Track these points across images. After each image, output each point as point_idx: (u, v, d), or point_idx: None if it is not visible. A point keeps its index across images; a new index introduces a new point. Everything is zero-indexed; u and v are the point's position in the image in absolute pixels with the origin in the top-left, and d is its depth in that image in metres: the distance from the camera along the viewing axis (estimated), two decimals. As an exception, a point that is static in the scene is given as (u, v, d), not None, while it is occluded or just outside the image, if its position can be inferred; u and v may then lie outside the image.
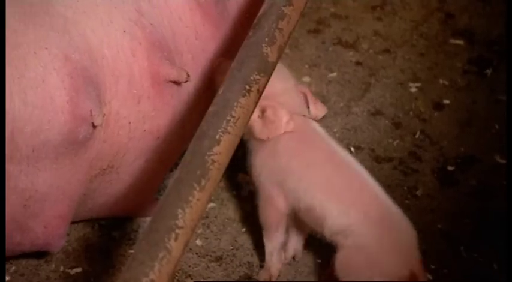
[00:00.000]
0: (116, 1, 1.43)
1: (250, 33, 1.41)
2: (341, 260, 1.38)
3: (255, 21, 1.44)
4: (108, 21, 1.41)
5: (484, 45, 1.85)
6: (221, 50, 1.51)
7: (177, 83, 1.45)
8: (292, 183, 1.42)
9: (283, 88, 1.46)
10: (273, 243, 1.48)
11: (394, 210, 1.38)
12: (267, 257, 1.49)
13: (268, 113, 1.42)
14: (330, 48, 1.87)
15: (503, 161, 1.65)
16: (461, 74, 1.81)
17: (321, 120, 1.48)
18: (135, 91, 1.41)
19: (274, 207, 1.44)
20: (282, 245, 1.49)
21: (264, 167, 1.44)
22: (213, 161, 1.23)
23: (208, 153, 1.24)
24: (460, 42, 1.86)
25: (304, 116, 1.45)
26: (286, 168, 1.42)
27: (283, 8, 1.44)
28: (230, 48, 1.49)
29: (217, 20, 1.52)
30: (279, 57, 1.40)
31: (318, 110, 1.49)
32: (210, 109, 1.30)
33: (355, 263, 1.38)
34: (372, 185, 1.39)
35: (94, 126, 1.32)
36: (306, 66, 1.86)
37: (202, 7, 1.50)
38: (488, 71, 1.81)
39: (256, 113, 1.41)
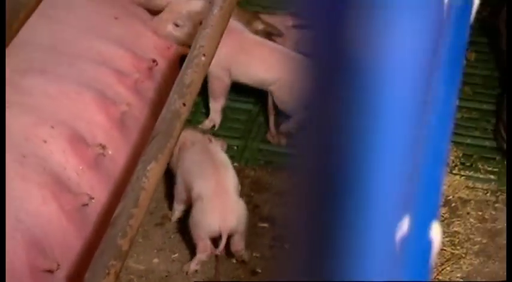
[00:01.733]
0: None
1: (108, 230, 1.73)
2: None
3: (111, 221, 1.76)
4: None
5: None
6: (85, 246, 1.78)
7: (50, 271, 1.67)
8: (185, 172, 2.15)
9: (194, 139, 2.21)
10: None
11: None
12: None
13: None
14: (172, 236, 2.21)
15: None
16: (268, 248, 2.15)
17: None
18: (17, 279, 1.59)
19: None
20: None
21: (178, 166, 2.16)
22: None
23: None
24: (265, 225, 2.20)
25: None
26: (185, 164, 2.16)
27: (131, 210, 1.78)
28: (94, 244, 1.76)
29: (80, 222, 1.78)
30: (130, 246, 1.72)
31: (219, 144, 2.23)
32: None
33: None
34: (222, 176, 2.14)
35: None
36: (155, 250, 2.19)
37: (66, 214, 1.72)
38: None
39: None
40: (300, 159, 0.66)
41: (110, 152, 1.86)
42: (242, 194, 2.23)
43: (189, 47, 2.06)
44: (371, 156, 0.63)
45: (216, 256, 2.10)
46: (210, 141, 2.24)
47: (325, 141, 0.63)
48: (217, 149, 2.22)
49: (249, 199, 2.25)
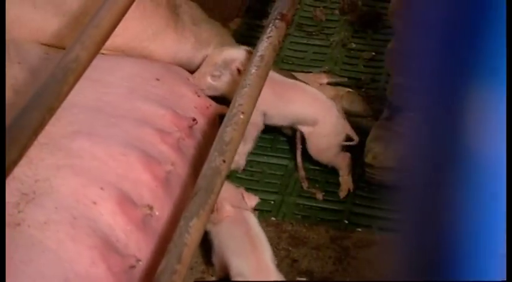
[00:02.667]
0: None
1: None
2: None
3: (155, 277, 1.68)
4: None
5: (320, 280, 2.13)
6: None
7: None
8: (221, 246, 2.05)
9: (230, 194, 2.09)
10: None
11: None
12: None
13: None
14: None
15: None
16: (306, 302, 2.10)
17: None
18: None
19: None
20: None
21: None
22: None
23: None
24: (304, 279, 2.12)
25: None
26: (221, 236, 2.06)
27: (175, 266, 1.72)
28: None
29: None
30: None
31: (251, 200, 2.12)
32: None
33: None
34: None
35: None
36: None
37: (114, 276, 1.66)
38: (326, 297, 2.09)
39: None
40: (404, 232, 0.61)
41: (156, 213, 1.80)
42: (280, 249, 2.17)
43: (227, 101, 2.03)
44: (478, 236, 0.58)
45: None
46: (243, 196, 2.16)
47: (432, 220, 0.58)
48: (252, 219, 2.10)
49: (286, 253, 2.20)
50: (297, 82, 2.41)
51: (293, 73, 2.55)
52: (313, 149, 2.36)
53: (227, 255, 2.06)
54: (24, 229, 1.59)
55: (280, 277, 2.02)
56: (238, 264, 2.02)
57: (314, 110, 2.34)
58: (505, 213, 0.60)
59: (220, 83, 2.33)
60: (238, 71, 2.30)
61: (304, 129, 2.36)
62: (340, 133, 2.33)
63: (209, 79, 2.33)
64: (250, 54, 2.31)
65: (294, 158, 2.41)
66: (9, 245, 1.56)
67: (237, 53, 2.33)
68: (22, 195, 1.65)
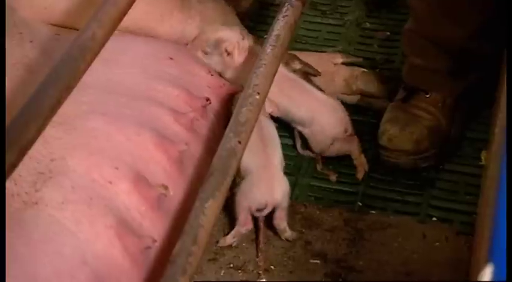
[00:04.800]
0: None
1: (168, 267, 1.70)
2: None
3: (170, 258, 1.73)
4: None
5: (334, 263, 2.17)
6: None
7: None
8: None
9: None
10: None
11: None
12: None
13: None
14: (223, 271, 2.17)
15: None
16: (319, 284, 2.13)
17: None
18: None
19: None
20: None
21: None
22: None
23: None
24: (317, 261, 2.17)
25: None
26: None
27: (190, 248, 1.75)
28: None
29: (142, 264, 1.76)
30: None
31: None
32: None
33: None
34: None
35: None
36: (211, 285, 2.17)
37: (130, 257, 1.70)
38: (338, 284, 2.11)
39: None
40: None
41: (171, 193, 1.84)
42: (293, 230, 2.21)
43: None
44: None
45: (258, 229, 2.14)
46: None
47: None
48: (266, 121, 2.26)
49: (300, 235, 2.24)
50: (297, 79, 2.43)
51: (306, 52, 2.58)
52: (316, 147, 2.40)
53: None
54: (42, 208, 1.63)
55: (286, 179, 2.16)
56: (246, 158, 2.09)
57: (309, 109, 2.37)
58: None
59: (209, 61, 2.38)
60: (227, 52, 2.36)
61: (302, 129, 2.40)
62: (337, 127, 2.36)
63: (199, 54, 2.38)
64: (244, 36, 2.38)
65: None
66: (28, 224, 1.60)
67: (230, 35, 2.39)
68: (39, 174, 1.69)
